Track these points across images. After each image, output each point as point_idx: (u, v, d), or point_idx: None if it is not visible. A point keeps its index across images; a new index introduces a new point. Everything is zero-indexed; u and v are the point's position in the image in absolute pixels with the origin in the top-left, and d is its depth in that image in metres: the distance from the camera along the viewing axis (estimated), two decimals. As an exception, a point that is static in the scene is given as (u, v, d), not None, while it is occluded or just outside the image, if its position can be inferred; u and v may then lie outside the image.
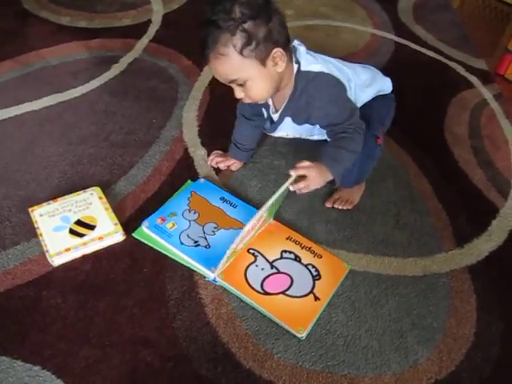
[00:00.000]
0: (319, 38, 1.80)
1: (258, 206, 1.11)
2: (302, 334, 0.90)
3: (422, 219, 1.15)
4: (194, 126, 1.34)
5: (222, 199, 1.12)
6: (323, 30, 1.86)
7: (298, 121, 1.08)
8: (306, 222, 1.12)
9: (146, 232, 1.04)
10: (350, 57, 1.64)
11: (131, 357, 0.85)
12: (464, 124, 1.47)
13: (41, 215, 1.03)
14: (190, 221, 1.07)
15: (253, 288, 0.95)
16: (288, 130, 1.14)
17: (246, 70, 0.91)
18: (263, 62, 0.92)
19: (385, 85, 1.16)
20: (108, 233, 1.02)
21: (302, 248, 1.04)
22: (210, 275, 0.97)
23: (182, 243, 1.02)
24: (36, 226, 1.02)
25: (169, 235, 1.03)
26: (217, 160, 1.22)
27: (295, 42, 1.02)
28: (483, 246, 1.11)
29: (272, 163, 1.25)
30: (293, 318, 0.92)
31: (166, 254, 1.01)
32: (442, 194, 1.22)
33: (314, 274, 1.00)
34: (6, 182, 1.14)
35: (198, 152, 1.26)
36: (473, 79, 1.67)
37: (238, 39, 0.87)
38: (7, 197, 1.10)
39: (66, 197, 1.08)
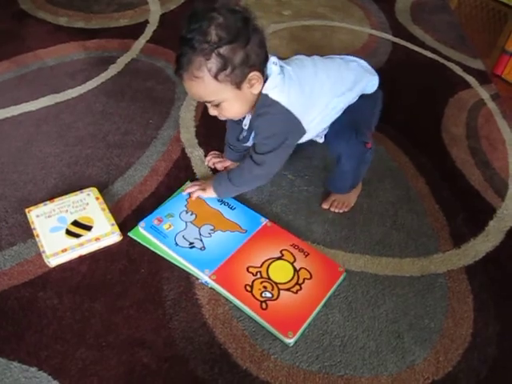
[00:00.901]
0: (317, 38, 1.80)
1: (254, 207, 1.12)
2: (291, 340, 0.88)
3: (419, 219, 1.15)
4: (191, 126, 1.34)
5: (221, 201, 1.12)
6: (321, 30, 1.86)
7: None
8: (303, 222, 1.12)
9: (141, 232, 1.04)
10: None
11: (128, 358, 0.85)
12: (461, 124, 1.47)
13: (37, 216, 1.03)
14: (186, 222, 1.07)
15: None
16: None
17: (220, 94, 0.91)
18: (238, 86, 0.91)
19: (368, 85, 1.10)
20: (105, 233, 1.01)
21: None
22: (203, 277, 0.96)
23: (176, 244, 1.02)
24: (33, 226, 1.02)
25: (164, 236, 1.03)
26: (214, 161, 1.22)
27: (272, 60, 0.96)
28: (480, 246, 1.11)
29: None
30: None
31: (161, 254, 1.01)
32: (439, 194, 1.22)
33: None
34: (3, 182, 1.14)
35: (195, 152, 1.26)
36: (470, 79, 1.68)
37: (213, 64, 0.86)
38: (4, 197, 1.10)
39: (62, 197, 1.08)
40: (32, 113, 1.35)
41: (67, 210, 1.05)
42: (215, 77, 0.88)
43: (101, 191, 1.11)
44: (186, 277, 0.98)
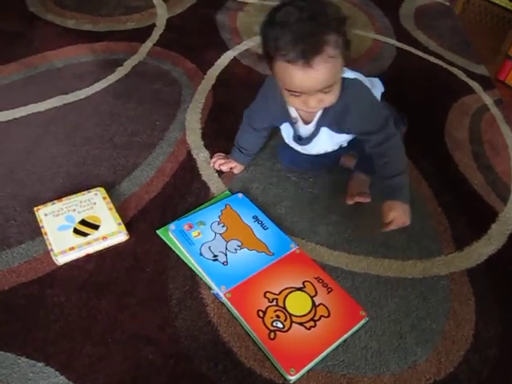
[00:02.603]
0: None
1: (264, 209, 1.13)
2: (292, 377, 0.84)
3: (422, 222, 1.16)
4: (197, 128, 1.36)
5: (255, 218, 1.11)
6: (326, 35, 1.88)
7: (335, 129, 1.05)
8: (307, 224, 1.13)
9: (169, 233, 1.05)
10: (351, 62, 1.66)
11: (133, 354, 0.86)
12: (464, 129, 1.48)
13: (45, 215, 1.05)
14: (216, 233, 1.07)
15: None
16: (323, 142, 1.09)
17: (340, 73, 0.89)
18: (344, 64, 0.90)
19: (380, 85, 1.15)
20: (112, 232, 1.03)
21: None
22: (219, 293, 0.95)
23: (200, 254, 1.02)
24: (41, 225, 1.03)
25: (190, 243, 1.03)
26: (219, 162, 1.23)
27: None
28: (482, 249, 1.12)
29: (274, 166, 1.26)
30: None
31: (182, 259, 1.02)
32: (441, 197, 1.23)
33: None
34: (12, 181, 1.16)
35: (200, 154, 1.27)
36: (474, 85, 1.69)
37: (341, 40, 0.84)
38: (13, 196, 1.12)
39: (70, 197, 1.09)
40: (40, 114, 1.37)
41: (75, 210, 1.06)
42: (342, 54, 0.86)
43: (108, 191, 1.13)
44: (192, 276, 0.99)
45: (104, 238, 1.02)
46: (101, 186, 1.14)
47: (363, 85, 1.01)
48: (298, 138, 1.10)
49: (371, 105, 1.01)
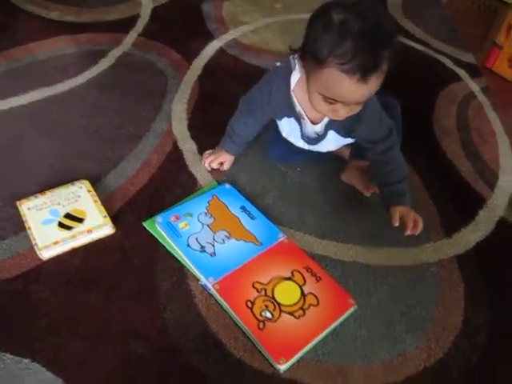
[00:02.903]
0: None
1: (251, 199, 1.12)
2: (282, 366, 0.83)
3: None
4: (184, 119, 1.34)
5: (243, 208, 1.10)
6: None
7: (342, 134, 1.05)
8: (295, 213, 1.12)
9: (156, 225, 1.04)
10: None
11: (122, 349, 0.85)
12: (452, 116, 1.48)
13: (29, 209, 1.03)
14: (203, 224, 1.05)
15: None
16: (329, 143, 1.10)
17: None
18: None
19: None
20: (97, 225, 1.01)
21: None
22: (207, 284, 0.95)
23: (188, 245, 1.00)
24: (24, 219, 1.01)
25: (178, 235, 1.02)
26: (209, 160, 1.19)
27: None
28: (471, 236, 1.12)
29: (261, 156, 1.25)
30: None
31: (169, 251, 1.00)
32: (430, 185, 1.23)
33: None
34: (-6, 176, 1.13)
35: (187, 145, 1.26)
36: (461, 72, 1.69)
37: (392, 56, 0.82)
38: (-5, 191, 1.10)
39: (54, 190, 1.07)
40: (23, 107, 1.34)
41: (59, 203, 1.04)
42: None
43: (93, 184, 1.11)
44: (180, 268, 0.98)
45: (89, 231, 1.00)
46: (86, 178, 1.11)
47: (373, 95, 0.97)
48: (307, 137, 1.09)
49: (379, 115, 1.01)
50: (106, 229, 1.02)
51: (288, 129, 1.11)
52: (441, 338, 0.92)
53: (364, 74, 0.78)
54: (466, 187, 1.25)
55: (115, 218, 1.05)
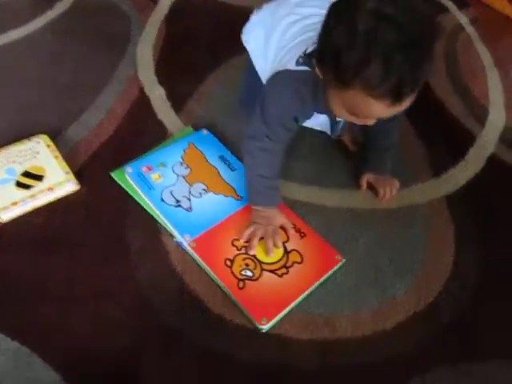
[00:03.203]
0: None
1: (229, 145, 1.04)
2: (264, 326, 0.79)
3: (398, 150, 1.08)
4: (150, 64, 1.23)
5: (222, 158, 1.01)
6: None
7: None
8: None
9: (125, 176, 0.95)
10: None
11: (93, 311, 0.79)
12: (440, 50, 1.39)
13: (-18, 168, 0.94)
14: (178, 176, 0.97)
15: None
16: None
17: None
18: None
19: None
20: (59, 182, 0.93)
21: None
22: (183, 242, 0.88)
23: (162, 200, 0.92)
24: (-22, 180, 0.92)
25: (150, 187, 0.94)
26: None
27: None
28: (460, 174, 1.07)
29: (237, 99, 1.15)
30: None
31: (141, 205, 0.92)
32: (418, 124, 1.16)
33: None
34: None
35: (155, 91, 1.15)
36: (448, 4, 1.58)
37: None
38: None
39: (8, 147, 0.97)
40: (-28, 57, 1.21)
41: (15, 161, 0.95)
42: None
43: (53, 138, 1.01)
44: (152, 222, 0.91)
45: (50, 189, 0.92)
46: (44, 133, 1.02)
47: None
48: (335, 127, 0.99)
49: None
50: (69, 185, 0.94)
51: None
52: (431, 282, 0.88)
53: (398, 98, 0.65)
54: (456, 125, 1.18)
55: (79, 174, 0.96)
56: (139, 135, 1.06)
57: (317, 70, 0.73)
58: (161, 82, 1.18)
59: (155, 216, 0.91)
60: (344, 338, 0.80)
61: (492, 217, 1.01)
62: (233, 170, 1.00)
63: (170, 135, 1.06)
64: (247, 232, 0.88)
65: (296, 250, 0.89)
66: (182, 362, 0.76)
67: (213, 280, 0.84)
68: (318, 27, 0.70)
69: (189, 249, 0.87)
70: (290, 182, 1.00)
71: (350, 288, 0.86)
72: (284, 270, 0.86)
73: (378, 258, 0.90)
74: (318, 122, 0.99)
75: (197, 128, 1.08)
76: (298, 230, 0.92)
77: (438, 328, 0.83)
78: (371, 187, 1.00)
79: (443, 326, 0.83)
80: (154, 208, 0.92)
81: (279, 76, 0.84)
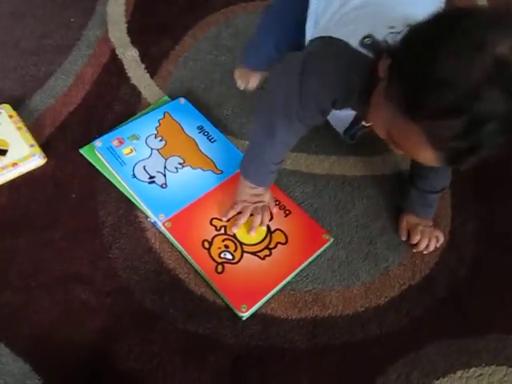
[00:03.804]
0: None
1: (200, 111, 0.96)
2: (244, 314, 0.73)
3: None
4: (122, 22, 1.12)
5: (200, 129, 0.93)
6: None
7: None
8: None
9: (95, 152, 0.88)
10: None
11: (62, 296, 0.74)
12: None
13: None
14: (152, 149, 0.89)
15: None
16: None
17: None
18: None
19: None
20: (23, 157, 0.85)
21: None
22: (157, 222, 0.81)
23: (134, 176, 0.85)
24: None
25: (121, 163, 0.86)
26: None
27: None
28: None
29: (216, 59, 1.06)
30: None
31: (113, 183, 0.85)
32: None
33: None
34: None
35: (128, 53, 1.06)
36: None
37: None
38: None
39: (-35, 119, 0.89)
40: None
41: (-27, 134, 0.87)
42: None
43: (15, 108, 0.93)
44: (127, 197, 0.84)
45: (14, 164, 0.84)
46: (5, 102, 0.93)
47: None
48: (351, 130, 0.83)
49: None
50: (35, 160, 0.86)
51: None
52: (427, 253, 0.82)
53: (455, 162, 0.56)
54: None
55: (45, 147, 0.89)
56: (111, 102, 0.97)
57: (381, 66, 0.59)
58: (134, 43, 1.08)
59: (127, 194, 0.84)
60: (335, 316, 0.76)
61: (490, 182, 0.94)
62: (212, 142, 0.92)
63: (144, 100, 0.98)
64: (232, 212, 0.81)
65: (280, 230, 0.82)
66: (162, 347, 0.71)
67: (190, 264, 0.78)
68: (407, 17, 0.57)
69: (163, 229, 0.80)
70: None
71: (340, 262, 0.81)
72: (267, 252, 0.79)
73: (370, 229, 0.85)
74: (339, 114, 0.82)
75: (173, 95, 0.99)
76: (282, 208, 0.85)
77: (433, 302, 0.78)
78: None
79: (438, 300, 0.78)
80: (125, 185, 0.85)
81: (334, 48, 0.67)
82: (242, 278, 0.76)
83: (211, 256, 0.78)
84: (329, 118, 0.83)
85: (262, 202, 0.82)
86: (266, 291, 0.75)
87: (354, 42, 0.65)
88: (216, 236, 0.80)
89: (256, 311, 0.74)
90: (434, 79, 0.50)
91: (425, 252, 0.82)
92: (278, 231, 0.82)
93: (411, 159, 0.83)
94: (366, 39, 0.64)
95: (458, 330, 0.76)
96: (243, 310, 0.72)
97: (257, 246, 0.80)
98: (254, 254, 0.79)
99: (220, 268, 0.77)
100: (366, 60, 0.63)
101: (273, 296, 0.76)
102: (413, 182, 0.84)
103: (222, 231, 0.81)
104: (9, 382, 0.66)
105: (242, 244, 0.80)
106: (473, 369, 0.73)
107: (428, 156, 0.56)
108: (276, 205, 0.84)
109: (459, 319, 0.77)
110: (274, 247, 0.80)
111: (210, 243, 0.79)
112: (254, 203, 0.81)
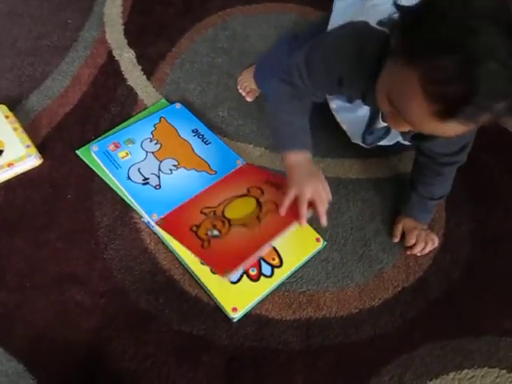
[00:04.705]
0: None
1: (197, 112, 0.96)
2: (235, 315, 0.73)
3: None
4: (119, 23, 1.13)
5: (195, 132, 0.93)
6: None
7: (408, 139, 0.79)
8: (254, 126, 0.98)
9: (91, 155, 0.88)
10: None
11: (58, 297, 0.74)
12: None
13: None
14: (147, 152, 0.90)
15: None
16: (387, 141, 0.85)
17: None
18: None
19: None
20: (19, 157, 0.85)
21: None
22: (150, 221, 0.81)
23: (128, 178, 0.85)
24: None
25: (117, 166, 0.87)
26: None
27: None
28: (453, 139, 1.00)
29: (213, 61, 1.07)
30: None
31: (109, 184, 0.85)
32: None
33: None
34: None
35: (124, 54, 1.06)
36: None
37: None
38: None
39: (-39, 119, 0.89)
40: None
41: (-31, 134, 0.87)
42: None
43: (12, 108, 0.93)
44: (122, 199, 0.84)
45: (10, 164, 0.84)
46: (2, 102, 0.93)
47: None
48: (369, 133, 0.82)
49: None
50: (31, 160, 0.86)
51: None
52: (420, 255, 0.83)
53: (450, 111, 0.49)
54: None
55: (42, 147, 0.89)
56: (107, 103, 0.98)
57: (392, 38, 0.57)
58: (131, 44, 1.08)
59: (122, 195, 0.84)
60: (329, 317, 0.76)
61: (483, 185, 0.95)
62: (207, 144, 0.93)
63: (140, 102, 0.98)
64: (292, 193, 0.72)
65: (270, 201, 0.80)
66: (156, 347, 0.71)
67: (182, 264, 0.78)
68: None
69: (156, 228, 0.80)
70: (270, 152, 0.93)
71: (335, 264, 0.81)
72: (255, 222, 0.77)
73: (364, 231, 0.85)
74: (353, 117, 0.84)
75: (170, 97, 0.99)
76: (274, 185, 0.83)
77: (427, 304, 0.79)
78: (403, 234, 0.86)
79: (432, 302, 0.79)
80: (120, 187, 0.85)
81: (355, 24, 0.69)
82: (227, 248, 0.75)
83: (198, 235, 0.77)
84: (343, 124, 0.86)
85: (322, 180, 0.74)
86: (249, 253, 0.72)
87: (372, 21, 0.66)
88: (205, 220, 0.79)
89: (250, 312, 0.75)
90: (432, 15, 0.49)
91: (419, 254, 0.83)
92: (268, 202, 0.80)
93: (412, 164, 0.86)
94: (384, 19, 0.64)
95: (451, 331, 0.77)
96: (226, 273, 0.70)
97: (244, 219, 0.78)
98: (242, 225, 0.78)
99: (206, 244, 0.75)
100: (381, 34, 0.62)
101: (266, 297, 0.76)
102: (414, 188, 0.84)
103: (212, 214, 0.80)
104: (2, 382, 0.67)
105: (230, 220, 0.79)
106: (465, 370, 0.73)
107: (418, 108, 0.52)
108: (267, 184, 0.83)
109: (452, 321, 0.78)
110: (264, 216, 0.78)
111: (198, 226, 0.78)
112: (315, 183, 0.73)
